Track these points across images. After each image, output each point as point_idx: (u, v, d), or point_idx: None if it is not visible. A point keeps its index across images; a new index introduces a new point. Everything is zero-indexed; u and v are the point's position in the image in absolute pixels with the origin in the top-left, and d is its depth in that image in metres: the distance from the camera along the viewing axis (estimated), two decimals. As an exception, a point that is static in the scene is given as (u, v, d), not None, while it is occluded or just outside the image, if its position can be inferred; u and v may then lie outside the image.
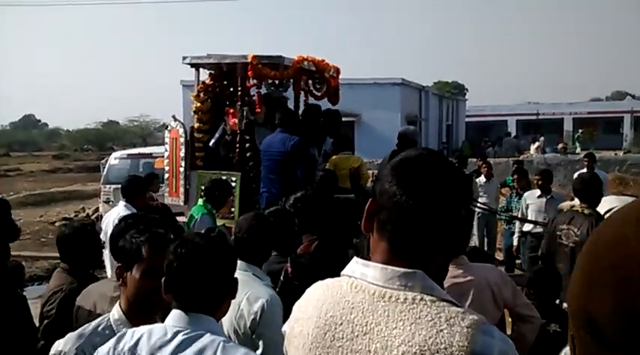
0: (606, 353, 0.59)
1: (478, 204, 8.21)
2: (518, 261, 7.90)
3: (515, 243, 7.68)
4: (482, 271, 3.12)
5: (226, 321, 2.46)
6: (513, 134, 36.64)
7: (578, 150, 22.17)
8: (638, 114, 35.06)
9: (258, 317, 2.47)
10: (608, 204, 5.19)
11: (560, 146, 16.22)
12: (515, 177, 8.60)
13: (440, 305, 1.09)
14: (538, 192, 7.43)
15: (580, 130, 29.42)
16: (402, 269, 1.12)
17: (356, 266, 1.20)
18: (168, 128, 6.65)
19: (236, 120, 5.95)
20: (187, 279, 1.68)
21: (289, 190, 5.18)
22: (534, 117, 38.50)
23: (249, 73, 5.87)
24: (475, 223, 8.74)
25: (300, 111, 6.35)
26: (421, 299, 1.09)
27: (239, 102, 5.99)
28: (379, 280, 1.14)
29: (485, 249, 8.97)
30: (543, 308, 3.57)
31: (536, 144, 19.24)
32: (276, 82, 6.30)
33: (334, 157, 5.86)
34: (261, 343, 2.43)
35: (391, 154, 6.33)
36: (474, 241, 8.64)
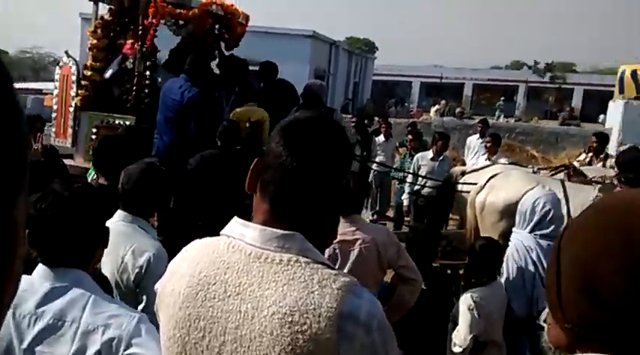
0: (601, 312, 0.74)
1: (375, 162, 8.43)
2: (407, 219, 8.28)
3: (405, 202, 7.99)
4: (372, 231, 3.23)
5: (108, 274, 2.39)
6: (416, 95, 37.77)
7: (501, 119, 23.18)
8: (531, 84, 37.09)
9: (143, 271, 2.42)
10: (491, 171, 5.53)
11: (457, 110, 16.91)
12: (410, 137, 8.89)
13: (314, 267, 1.10)
14: (431, 154, 7.73)
15: (501, 99, 30.63)
16: (280, 231, 1.13)
17: (235, 226, 1.19)
18: (60, 64, 6.22)
19: (136, 47, 5.64)
20: (48, 233, 1.61)
21: (181, 143, 5.03)
22: (438, 81, 39.77)
23: (151, 9, 5.55)
24: (372, 180, 9.01)
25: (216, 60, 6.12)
26: (296, 260, 1.10)
27: (138, 42, 5.69)
28: (257, 241, 1.14)
29: (378, 206, 9.30)
30: (419, 268, 3.75)
31: (437, 106, 19.93)
32: (180, 22, 6.04)
33: (238, 109, 5.75)
34: (144, 297, 2.39)
35: (295, 112, 6.32)
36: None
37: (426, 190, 7.65)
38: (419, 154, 8.02)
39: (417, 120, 15.87)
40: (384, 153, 9.31)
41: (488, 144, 8.24)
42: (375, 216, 8.95)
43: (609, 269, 0.75)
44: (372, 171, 8.71)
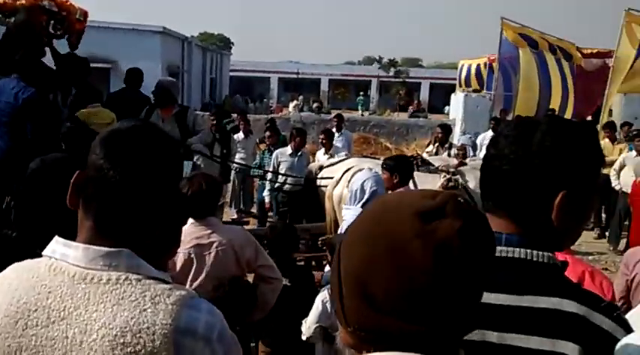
0: (377, 315, 0.79)
1: (234, 162, 8.36)
2: (270, 215, 8.32)
3: (267, 199, 8.00)
4: (227, 232, 3.16)
5: None
6: (275, 91, 38.08)
7: (366, 113, 23.94)
8: (382, 79, 38.96)
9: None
10: (346, 165, 5.72)
11: (315, 105, 17.28)
12: (267, 134, 8.91)
13: (145, 284, 1.04)
14: (289, 150, 7.81)
15: (361, 93, 31.66)
16: (106, 249, 1.05)
17: (57, 246, 1.09)
18: None
19: None
20: None
21: (18, 148, 4.60)
22: (295, 76, 40.40)
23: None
24: (233, 178, 8.93)
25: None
26: (126, 278, 1.04)
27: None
28: (81, 261, 1.05)
29: (242, 204, 9.25)
30: (278, 263, 3.77)
31: (295, 102, 20.23)
32: (6, 12, 5.51)
33: (84, 110, 5.38)
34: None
35: (147, 111, 6.08)
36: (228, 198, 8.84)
37: (287, 186, 7.71)
38: (278, 150, 8.05)
39: (277, 116, 15.99)
40: (245, 150, 9.26)
41: (439, 135, 8.45)
42: (239, 214, 8.89)
43: (381, 278, 0.80)
44: (233, 170, 8.62)
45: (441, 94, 33.43)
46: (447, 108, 18.78)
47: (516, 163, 1.11)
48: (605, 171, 10.20)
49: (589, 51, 17.55)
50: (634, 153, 8.63)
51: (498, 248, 1.06)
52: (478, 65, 22.82)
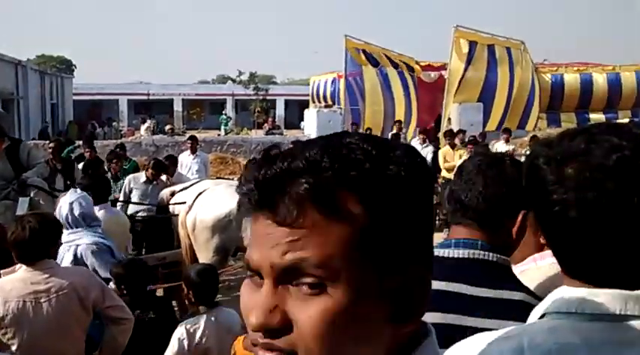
0: None
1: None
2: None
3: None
4: (68, 275, 2.93)
5: None
6: (125, 114, 36.49)
7: (222, 132, 23.38)
8: (238, 97, 38.87)
9: None
10: (199, 188, 5.58)
11: (167, 127, 16.79)
12: (115, 161, 8.49)
13: None
14: (143, 177, 7.46)
15: (223, 112, 30.94)
16: None
17: None
18: None
19: None
20: None
21: None
22: (146, 98, 39.02)
23: None
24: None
25: None
26: None
27: None
28: None
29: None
30: (136, 299, 3.57)
31: (146, 124, 19.48)
32: None
33: None
34: None
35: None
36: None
37: (141, 214, 7.36)
38: (131, 176, 7.67)
39: (127, 140, 15.30)
40: (92, 179, 8.74)
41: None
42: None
43: None
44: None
45: (296, 110, 34.10)
46: (302, 123, 19.18)
47: (486, 193, 1.43)
48: (447, 175, 11.01)
49: (427, 64, 18.91)
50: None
51: (474, 250, 1.42)
52: (327, 81, 23.67)
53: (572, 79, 18.74)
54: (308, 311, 0.62)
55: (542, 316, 0.92)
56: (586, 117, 18.49)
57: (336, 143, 0.66)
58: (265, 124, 20.14)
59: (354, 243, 0.63)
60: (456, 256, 1.42)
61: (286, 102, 40.42)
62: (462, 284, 1.38)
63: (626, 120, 18.22)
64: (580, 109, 18.82)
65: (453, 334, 1.16)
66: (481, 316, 1.33)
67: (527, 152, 9.30)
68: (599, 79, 18.78)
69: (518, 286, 1.40)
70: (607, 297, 0.87)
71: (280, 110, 40.32)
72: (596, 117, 18.40)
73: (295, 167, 0.63)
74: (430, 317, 0.99)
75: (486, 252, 1.42)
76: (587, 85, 18.71)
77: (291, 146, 0.67)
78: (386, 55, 17.91)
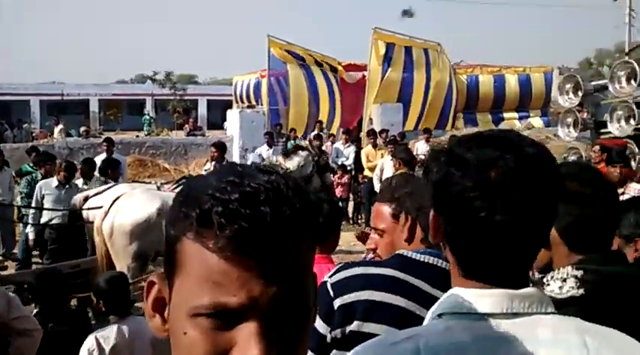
0: None
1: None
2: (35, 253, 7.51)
3: (31, 236, 7.20)
4: (-33, 287, 2.74)
5: None
6: (38, 115, 34.76)
7: (145, 133, 22.50)
8: (157, 97, 37.88)
9: None
10: (115, 193, 5.36)
11: (82, 129, 16.09)
12: (49, 163, 8.05)
13: None
14: (55, 181, 7.13)
15: (146, 113, 29.82)
16: None
17: None
18: None
19: None
20: None
21: None
22: (60, 98, 37.28)
23: None
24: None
25: None
26: None
27: None
28: None
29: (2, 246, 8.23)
30: (49, 311, 3.40)
31: (60, 126, 18.56)
32: None
33: None
34: None
35: None
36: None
37: (55, 221, 7.02)
38: (41, 182, 7.32)
39: (39, 143, 14.54)
40: (0, 185, 8.32)
41: (214, 154, 8.08)
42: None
43: None
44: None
45: (219, 110, 33.61)
46: (225, 124, 18.92)
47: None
48: (369, 174, 11.18)
49: (349, 64, 19.13)
50: (389, 157, 9.57)
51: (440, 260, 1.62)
52: (250, 81, 23.47)
53: (486, 79, 19.50)
54: None
55: (440, 316, 0.97)
56: (500, 116, 19.31)
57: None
58: (186, 125, 19.67)
59: None
60: (421, 260, 1.67)
61: (208, 102, 39.76)
62: (424, 283, 1.63)
63: (537, 119, 19.21)
64: (494, 109, 19.62)
65: (414, 320, 1.34)
66: None
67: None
68: (511, 80, 19.65)
69: None
70: (495, 297, 0.93)
71: (203, 110, 39.63)
72: (510, 116, 19.26)
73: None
74: (396, 300, 1.60)
75: (443, 261, 1.62)
76: (500, 85, 19.53)
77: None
78: (309, 55, 17.99)
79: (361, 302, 1.60)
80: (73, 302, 4.75)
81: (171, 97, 31.54)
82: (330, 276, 1.68)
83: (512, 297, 0.93)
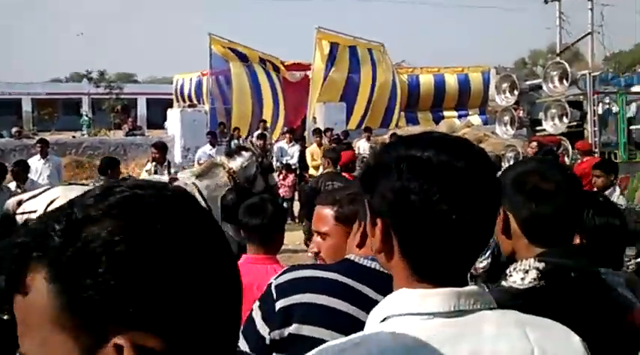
0: None
1: None
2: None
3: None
4: None
5: None
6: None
7: (85, 132, 21.65)
8: (94, 96, 36.78)
9: None
10: (50, 196, 5.12)
11: (14, 130, 15.39)
12: None
13: None
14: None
15: (84, 113, 28.61)
16: None
17: None
18: None
19: None
20: None
21: None
22: (-10, 97, 35.62)
23: None
24: None
25: None
26: None
27: None
28: None
29: None
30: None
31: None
32: None
33: None
34: None
35: None
36: None
37: (-14, 226, 6.66)
38: (-32, 186, 6.93)
39: (-33, 145, 13.83)
40: None
41: (155, 155, 7.78)
42: None
43: None
44: None
45: (160, 110, 32.89)
46: (166, 123, 18.52)
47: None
48: (315, 173, 11.18)
49: (292, 63, 19.11)
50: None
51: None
52: (192, 79, 23.08)
53: (426, 79, 19.90)
54: None
55: (385, 319, 0.98)
56: (440, 115, 19.74)
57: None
58: (125, 125, 19.11)
59: None
60: (368, 265, 1.63)
61: (148, 101, 38.87)
62: (369, 288, 1.59)
63: (476, 117, 19.74)
64: (435, 108, 20.04)
65: (358, 327, 1.31)
66: None
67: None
68: (451, 80, 20.13)
69: None
70: (441, 296, 0.95)
71: (142, 109, 38.72)
72: (449, 114, 19.72)
73: None
74: (339, 305, 1.57)
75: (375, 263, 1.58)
76: (440, 85, 19.97)
77: None
78: (252, 52, 17.85)
79: (302, 305, 1.59)
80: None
81: (108, 96, 30.61)
82: (276, 278, 1.67)
83: (458, 295, 0.95)
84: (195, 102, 20.14)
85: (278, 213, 2.79)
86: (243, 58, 17.59)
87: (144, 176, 7.59)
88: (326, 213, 1.83)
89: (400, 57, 24.34)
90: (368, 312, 1.46)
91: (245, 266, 2.43)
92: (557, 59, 12.18)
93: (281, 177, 10.69)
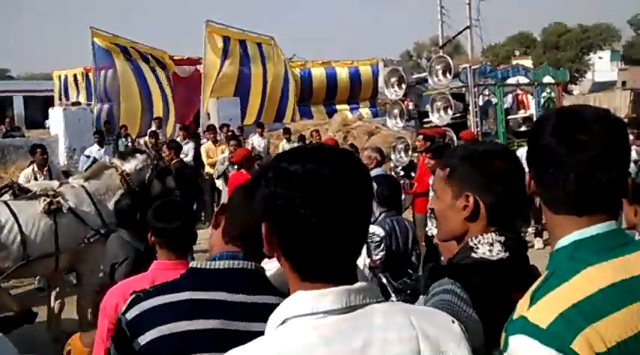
0: None
1: None
2: None
3: None
4: None
5: None
6: None
7: None
8: (26, 94, 34.23)
9: None
10: None
11: None
12: None
13: None
14: None
15: None
16: None
17: None
18: None
19: None
20: None
21: None
22: None
23: None
24: None
25: None
26: None
27: None
28: None
29: None
30: None
31: None
32: None
33: None
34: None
35: None
36: None
37: None
38: None
39: None
40: None
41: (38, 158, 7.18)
42: None
43: None
44: None
45: (39, 108, 30.88)
46: (47, 122, 17.37)
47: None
48: (210, 171, 11.02)
49: (180, 58, 18.59)
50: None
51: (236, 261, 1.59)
52: (76, 75, 21.87)
53: (318, 73, 20.14)
54: None
55: (284, 322, 1.04)
56: (333, 108, 20.07)
57: None
58: (1, 126, 17.65)
59: None
60: (216, 267, 1.61)
61: (25, 98, 36.35)
62: (223, 293, 1.56)
63: (366, 110, 20.26)
64: (327, 101, 20.35)
65: (228, 337, 1.46)
66: (248, 320, 1.52)
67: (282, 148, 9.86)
68: (342, 73, 20.51)
69: (273, 291, 1.59)
70: (333, 294, 1.04)
71: (20, 108, 36.14)
72: (342, 107, 20.10)
73: None
74: (202, 324, 1.51)
75: (246, 261, 1.61)
76: (332, 78, 20.28)
77: None
78: (135, 49, 17.14)
79: (158, 340, 1.51)
80: None
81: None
82: (124, 313, 1.58)
83: (348, 293, 1.04)
84: (80, 100, 19.10)
85: (189, 216, 2.75)
86: (126, 53, 16.88)
87: (22, 181, 7.12)
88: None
89: (291, 51, 24.41)
90: (233, 318, 1.53)
91: (157, 273, 2.35)
92: (440, 53, 12.79)
93: (176, 175, 10.42)
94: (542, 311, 1.09)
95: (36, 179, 7.18)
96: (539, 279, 1.18)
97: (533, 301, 1.12)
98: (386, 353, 1.03)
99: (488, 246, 1.44)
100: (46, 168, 7.58)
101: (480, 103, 11.62)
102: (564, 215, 1.19)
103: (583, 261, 1.14)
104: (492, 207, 1.47)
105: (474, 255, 1.45)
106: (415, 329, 1.06)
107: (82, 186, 5.49)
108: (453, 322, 1.12)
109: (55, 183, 5.72)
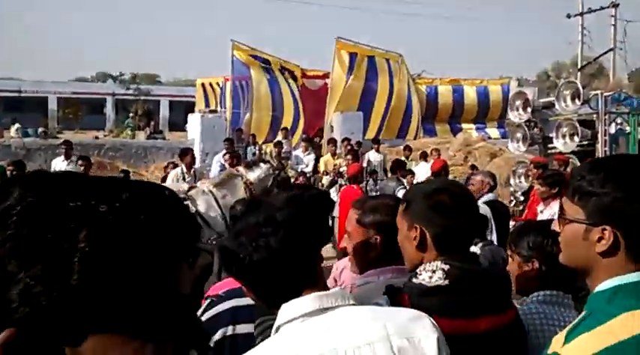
0: None
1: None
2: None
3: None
4: None
5: None
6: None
7: (128, 136, 21.95)
8: (118, 96, 37.29)
9: None
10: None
11: (40, 130, 15.85)
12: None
13: None
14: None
15: (130, 115, 28.64)
16: None
17: None
18: None
19: None
20: None
21: None
22: (17, 95, 36.37)
23: None
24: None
25: None
26: None
27: None
28: None
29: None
30: None
31: (17, 125, 18.12)
32: None
33: None
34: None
35: None
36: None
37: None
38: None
39: (-6, 143, 14.28)
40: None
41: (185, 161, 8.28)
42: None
43: None
44: None
45: (182, 112, 33.28)
46: (187, 126, 18.83)
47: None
48: (326, 182, 11.38)
49: (312, 73, 19.33)
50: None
51: None
52: (218, 83, 23.30)
53: (445, 90, 19.95)
54: None
55: (278, 328, 1.29)
56: (458, 127, 19.78)
57: None
58: (147, 128, 19.41)
59: None
60: None
61: (171, 103, 39.34)
62: None
63: (494, 130, 19.71)
64: (453, 120, 20.09)
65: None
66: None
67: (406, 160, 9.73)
68: (470, 92, 20.14)
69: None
70: (308, 299, 1.29)
71: (165, 111, 39.22)
72: (467, 126, 19.75)
73: None
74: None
75: None
76: (459, 96, 19.99)
77: None
78: (274, 60, 18.12)
79: (231, 337, 1.78)
80: None
81: (132, 98, 31.01)
82: (201, 313, 1.86)
83: (320, 297, 1.28)
84: (217, 107, 20.40)
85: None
86: (265, 63, 17.84)
87: (170, 181, 7.97)
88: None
89: (420, 68, 24.39)
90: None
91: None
92: (579, 75, 12.28)
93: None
94: (575, 350, 1.15)
95: (184, 179, 7.94)
96: (577, 319, 1.24)
97: (568, 339, 1.18)
98: (357, 341, 1.21)
99: (430, 273, 1.58)
100: (192, 171, 8.38)
101: (612, 131, 11.01)
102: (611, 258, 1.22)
103: (622, 305, 1.18)
104: (437, 237, 1.62)
105: (414, 280, 1.60)
106: (386, 329, 1.23)
107: (211, 191, 5.92)
108: (422, 316, 1.30)
109: (185, 186, 6.26)
